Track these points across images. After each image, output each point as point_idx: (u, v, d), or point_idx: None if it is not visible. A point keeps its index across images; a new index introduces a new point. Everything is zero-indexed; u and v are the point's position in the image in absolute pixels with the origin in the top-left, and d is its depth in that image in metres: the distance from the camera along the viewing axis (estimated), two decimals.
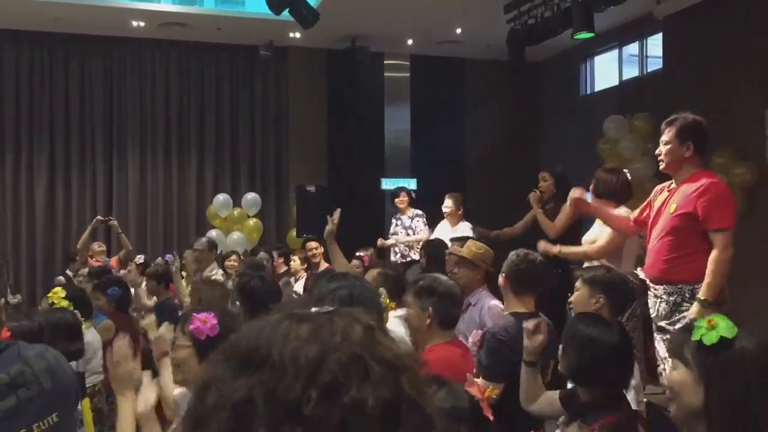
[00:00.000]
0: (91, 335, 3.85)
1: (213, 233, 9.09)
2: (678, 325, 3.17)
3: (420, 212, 7.28)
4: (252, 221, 9.51)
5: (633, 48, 9.63)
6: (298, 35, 9.44)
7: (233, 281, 4.56)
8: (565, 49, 9.90)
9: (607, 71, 10.16)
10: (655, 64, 9.20)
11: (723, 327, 1.52)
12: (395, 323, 3.06)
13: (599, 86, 10.28)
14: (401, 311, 3.08)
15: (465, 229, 6.23)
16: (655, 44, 9.17)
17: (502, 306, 3.73)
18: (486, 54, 10.11)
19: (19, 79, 9.54)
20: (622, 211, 4.21)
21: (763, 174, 7.24)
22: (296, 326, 0.71)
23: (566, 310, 3.18)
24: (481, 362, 3.01)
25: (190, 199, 10.12)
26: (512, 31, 7.99)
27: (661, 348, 3.45)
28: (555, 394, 2.48)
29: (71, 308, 3.45)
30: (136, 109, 9.96)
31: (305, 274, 6.93)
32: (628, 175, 4.64)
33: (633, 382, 2.36)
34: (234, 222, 9.46)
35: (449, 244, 5.20)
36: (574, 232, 5.15)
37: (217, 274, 6.02)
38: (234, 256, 6.78)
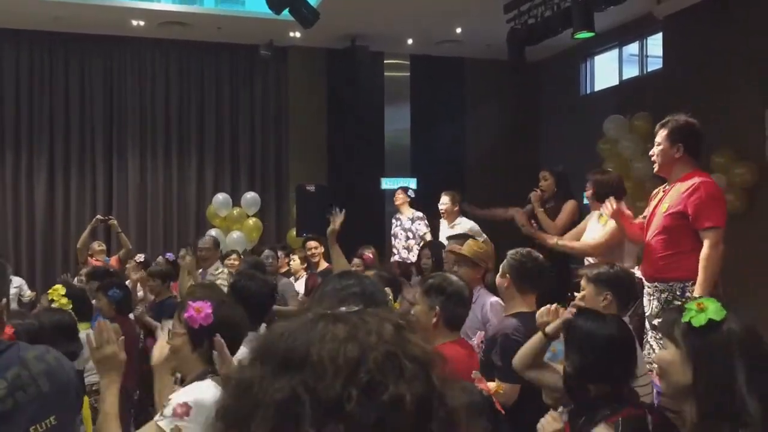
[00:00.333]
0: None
1: (213, 232, 9.09)
2: None
3: (420, 214, 7.20)
4: (251, 221, 9.51)
5: (633, 48, 9.64)
6: (298, 35, 9.44)
7: (228, 281, 4.56)
8: (565, 49, 9.90)
9: (607, 71, 10.17)
10: (655, 63, 9.20)
11: (712, 310, 1.59)
12: None
13: (599, 86, 10.28)
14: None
15: (462, 226, 6.23)
16: (655, 44, 9.17)
17: (501, 301, 3.74)
18: (486, 53, 10.11)
19: (19, 78, 9.54)
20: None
21: (764, 174, 7.24)
22: (332, 327, 0.74)
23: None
24: (494, 363, 2.99)
25: (189, 198, 10.12)
26: (512, 31, 7.99)
27: (656, 346, 3.46)
28: (560, 372, 2.44)
29: (70, 306, 3.45)
30: (136, 108, 9.96)
31: (305, 273, 6.93)
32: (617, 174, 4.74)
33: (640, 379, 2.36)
34: (234, 221, 9.46)
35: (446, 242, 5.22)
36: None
37: (223, 272, 6.02)
38: (234, 255, 6.78)
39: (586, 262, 4.54)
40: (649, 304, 3.59)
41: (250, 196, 9.64)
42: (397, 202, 7.35)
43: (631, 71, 9.67)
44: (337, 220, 3.67)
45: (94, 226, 7.64)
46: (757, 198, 7.28)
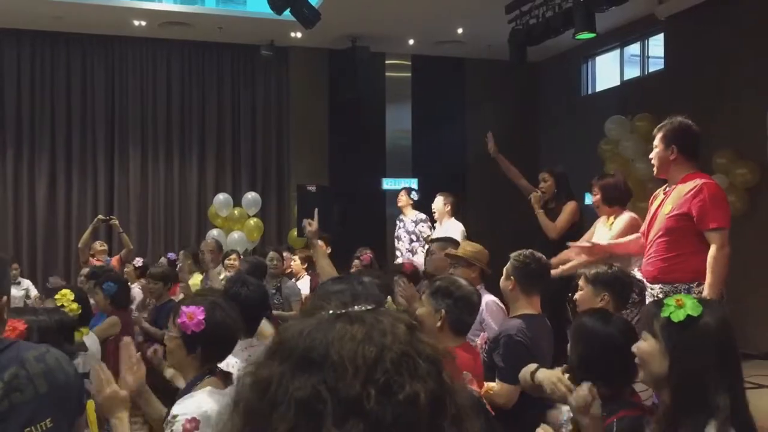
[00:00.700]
0: (89, 340, 3.85)
1: (214, 232, 9.10)
2: None
3: (423, 216, 7.13)
4: (252, 221, 9.51)
5: (634, 48, 9.63)
6: (299, 35, 9.44)
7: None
8: (566, 50, 9.89)
9: (608, 71, 10.16)
10: (656, 64, 9.19)
11: (689, 306, 1.69)
12: None
13: (600, 87, 10.27)
14: None
15: (452, 228, 6.26)
16: (656, 45, 9.16)
17: (498, 301, 3.73)
18: (487, 54, 10.10)
19: (21, 78, 9.55)
20: (632, 236, 4.23)
21: (765, 174, 7.24)
22: (350, 327, 0.77)
23: (566, 311, 3.18)
24: (497, 364, 2.97)
25: (191, 198, 10.13)
26: (513, 31, 7.99)
27: None
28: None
29: (79, 312, 3.44)
30: (138, 108, 9.97)
31: (305, 274, 6.92)
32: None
33: None
34: (234, 221, 9.47)
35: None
36: (574, 234, 5.15)
37: (222, 274, 6.01)
38: (233, 255, 6.78)
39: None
40: None
41: (250, 196, 9.64)
42: (399, 204, 7.30)
43: (633, 72, 9.67)
44: (314, 224, 3.61)
45: (96, 226, 7.64)
46: (759, 198, 7.28)
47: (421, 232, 7.09)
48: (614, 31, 9.05)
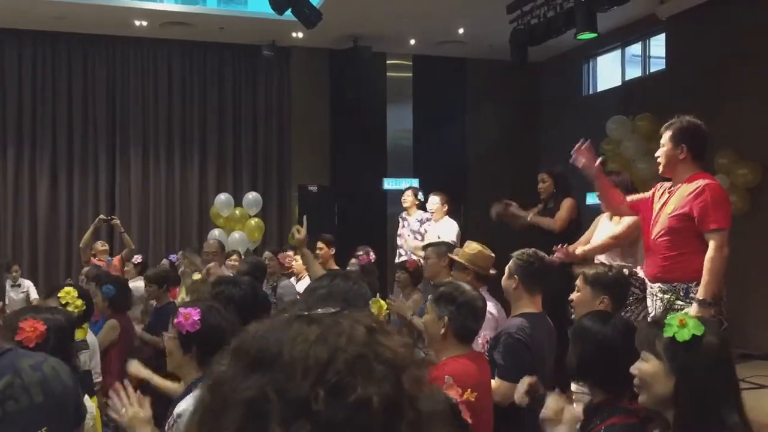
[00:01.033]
0: (90, 337, 3.85)
1: (216, 233, 9.10)
2: None
3: (429, 215, 7.12)
4: (253, 221, 9.51)
5: (636, 48, 9.63)
6: (300, 35, 9.45)
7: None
8: (567, 50, 9.89)
9: (609, 72, 10.16)
10: (657, 64, 9.19)
11: (693, 325, 1.68)
12: None
13: (602, 87, 10.27)
14: None
15: (448, 226, 6.27)
16: (658, 45, 9.16)
17: (496, 307, 3.71)
18: (488, 54, 10.10)
19: (22, 78, 9.56)
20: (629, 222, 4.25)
21: (766, 174, 7.24)
22: (306, 328, 0.76)
23: (568, 310, 3.17)
24: (496, 361, 2.97)
25: (192, 198, 10.14)
26: (515, 31, 7.98)
27: None
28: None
29: (83, 309, 3.44)
30: (139, 108, 9.98)
31: (307, 274, 6.91)
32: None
33: None
34: (236, 221, 9.47)
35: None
36: (573, 231, 5.15)
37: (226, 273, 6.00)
38: (235, 255, 6.78)
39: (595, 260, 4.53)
40: (653, 305, 3.61)
41: (251, 196, 9.64)
42: (405, 204, 7.28)
43: (634, 72, 9.66)
44: (302, 231, 3.59)
45: (97, 226, 7.64)
46: (760, 198, 7.27)
47: (426, 231, 7.08)
48: (615, 31, 9.05)
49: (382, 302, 2.23)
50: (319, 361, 0.72)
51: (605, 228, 4.54)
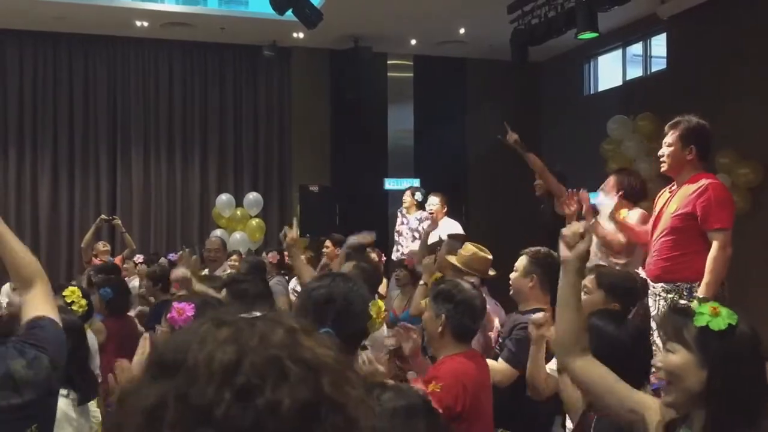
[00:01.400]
0: (90, 337, 3.85)
1: (217, 233, 9.10)
2: None
3: (428, 215, 7.10)
4: (254, 221, 9.51)
5: (637, 48, 9.62)
6: (301, 35, 9.45)
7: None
8: (568, 49, 9.88)
9: (610, 71, 10.15)
10: (658, 64, 9.18)
11: (726, 313, 1.57)
12: None
13: (603, 86, 10.27)
14: None
15: (452, 227, 6.26)
16: (658, 44, 9.15)
17: (493, 308, 3.69)
18: (489, 54, 10.10)
19: (23, 79, 9.57)
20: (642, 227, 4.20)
21: (767, 174, 7.23)
22: (215, 330, 0.72)
23: None
24: (506, 347, 2.97)
25: (193, 198, 10.14)
26: (515, 31, 7.98)
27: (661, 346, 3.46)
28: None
29: (86, 309, 3.43)
30: (140, 109, 9.98)
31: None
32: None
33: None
34: (237, 222, 9.47)
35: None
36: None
37: (227, 272, 5.99)
38: (234, 256, 6.77)
39: (591, 258, 4.51)
40: (655, 304, 3.59)
41: (252, 196, 9.65)
42: (405, 205, 7.29)
43: (635, 72, 9.66)
44: (292, 232, 3.55)
45: (98, 226, 7.66)
46: (761, 198, 7.26)
47: (424, 230, 7.07)
48: (616, 31, 9.04)
49: (380, 303, 2.22)
50: (224, 364, 0.68)
51: (608, 225, 4.51)
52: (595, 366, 1.85)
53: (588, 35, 7.30)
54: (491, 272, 3.91)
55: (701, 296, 3.27)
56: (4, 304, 7.43)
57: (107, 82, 9.85)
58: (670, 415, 1.67)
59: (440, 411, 1.60)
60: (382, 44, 9.77)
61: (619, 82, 9.83)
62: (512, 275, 3.24)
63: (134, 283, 6.00)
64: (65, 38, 9.61)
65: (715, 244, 3.35)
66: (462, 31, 9.47)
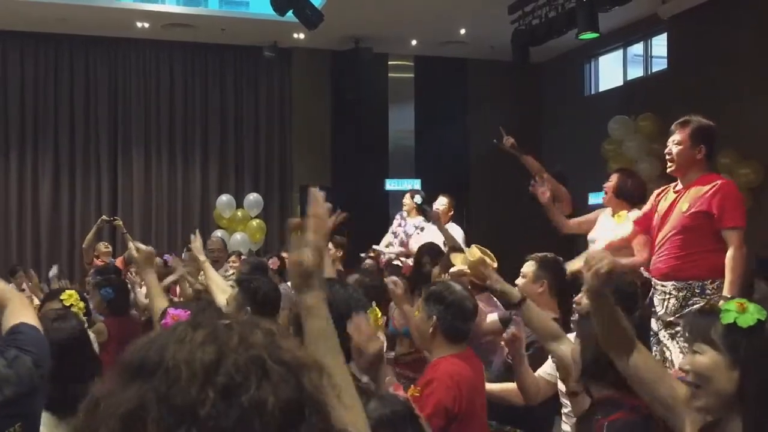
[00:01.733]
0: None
1: (218, 233, 9.10)
2: None
3: (427, 225, 7.00)
4: (255, 222, 9.51)
5: (638, 48, 9.62)
6: (302, 36, 9.45)
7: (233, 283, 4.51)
8: (569, 50, 9.88)
9: (611, 72, 10.15)
10: (659, 64, 9.18)
11: (754, 309, 1.49)
12: None
13: (603, 87, 10.27)
14: None
15: (454, 232, 6.21)
16: (659, 44, 9.15)
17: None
18: (490, 54, 10.10)
19: (24, 79, 9.58)
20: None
21: None
22: (191, 332, 0.71)
23: (572, 310, 3.15)
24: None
25: (194, 199, 10.15)
26: (516, 32, 7.98)
27: (670, 344, 3.45)
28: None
29: (84, 311, 3.43)
30: (141, 109, 9.99)
31: None
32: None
33: None
34: (238, 223, 9.48)
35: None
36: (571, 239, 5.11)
37: (233, 273, 5.97)
38: (233, 257, 6.76)
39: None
40: (663, 303, 3.56)
41: (252, 197, 9.65)
42: (405, 208, 7.24)
43: (636, 72, 9.66)
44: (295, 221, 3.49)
45: (100, 226, 7.65)
46: (762, 198, 7.26)
47: (421, 232, 7.00)
48: (617, 31, 9.04)
49: (377, 310, 2.20)
50: (206, 363, 0.67)
51: (607, 226, 4.50)
52: (644, 358, 1.81)
53: (589, 35, 7.30)
54: None
55: (729, 295, 3.25)
56: None
57: (108, 83, 9.86)
58: (700, 419, 1.60)
59: (438, 412, 1.60)
60: (382, 45, 9.77)
61: (620, 82, 9.84)
62: (520, 281, 3.18)
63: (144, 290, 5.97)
64: (66, 39, 9.62)
65: (731, 243, 3.36)
66: (463, 31, 9.47)
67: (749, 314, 1.48)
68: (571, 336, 2.54)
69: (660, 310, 3.59)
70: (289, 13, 7.53)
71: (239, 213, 9.49)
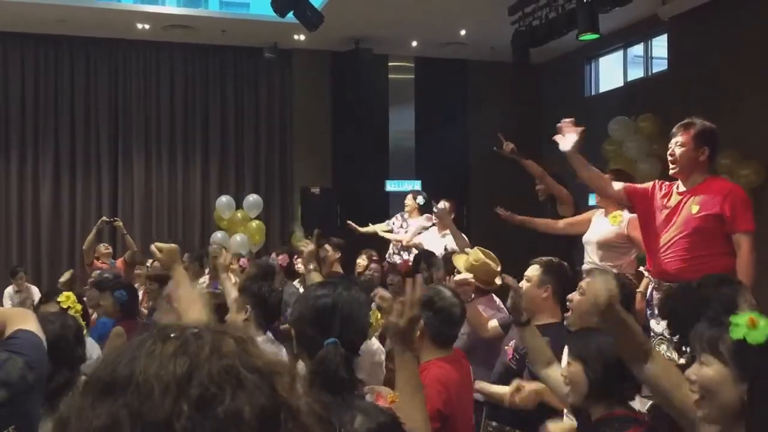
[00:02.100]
0: (90, 343, 3.84)
1: (218, 235, 9.11)
2: None
3: (429, 224, 6.95)
4: (254, 223, 9.51)
5: (638, 49, 9.62)
6: (302, 37, 9.45)
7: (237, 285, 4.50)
8: (569, 51, 9.89)
9: (611, 72, 10.15)
10: (660, 65, 9.19)
11: (765, 325, 1.47)
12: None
13: (604, 87, 10.27)
14: None
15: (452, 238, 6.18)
16: (660, 45, 9.15)
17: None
18: (490, 56, 10.10)
19: (25, 81, 9.58)
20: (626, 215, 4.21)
21: None
22: (161, 344, 0.70)
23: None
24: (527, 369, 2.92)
25: (194, 200, 10.15)
26: (516, 33, 7.98)
27: (669, 351, 3.45)
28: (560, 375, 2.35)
29: (81, 313, 3.44)
30: (141, 111, 10.00)
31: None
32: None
33: None
34: (237, 224, 9.48)
35: (437, 250, 5.15)
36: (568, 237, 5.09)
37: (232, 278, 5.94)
38: (232, 259, 6.74)
39: (586, 261, 4.49)
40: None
41: (252, 198, 9.65)
42: (407, 209, 7.23)
43: (636, 73, 9.66)
44: (311, 244, 3.45)
45: (100, 227, 7.65)
46: (763, 199, 7.25)
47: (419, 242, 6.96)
48: (617, 32, 9.04)
49: (378, 311, 2.21)
50: (177, 375, 0.66)
51: (600, 225, 4.49)
52: (661, 365, 1.83)
53: (589, 36, 7.30)
54: (497, 281, 3.83)
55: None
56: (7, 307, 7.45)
57: (109, 85, 9.87)
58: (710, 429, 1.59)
59: (434, 417, 1.62)
60: (383, 46, 9.77)
61: (620, 83, 9.84)
62: (523, 285, 3.11)
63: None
64: (67, 41, 9.62)
65: (744, 247, 3.37)
66: (463, 32, 9.47)
67: (760, 331, 1.45)
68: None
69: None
70: (290, 15, 7.54)
71: (239, 214, 9.49)
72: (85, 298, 4.26)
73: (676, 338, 2.52)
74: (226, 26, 9.39)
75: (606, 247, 4.40)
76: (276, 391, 0.69)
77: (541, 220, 4.96)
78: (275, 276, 5.49)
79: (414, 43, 10.01)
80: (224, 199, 9.49)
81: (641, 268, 4.04)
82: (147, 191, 10.01)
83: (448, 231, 6.08)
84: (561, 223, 4.76)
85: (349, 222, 7.19)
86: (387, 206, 9.98)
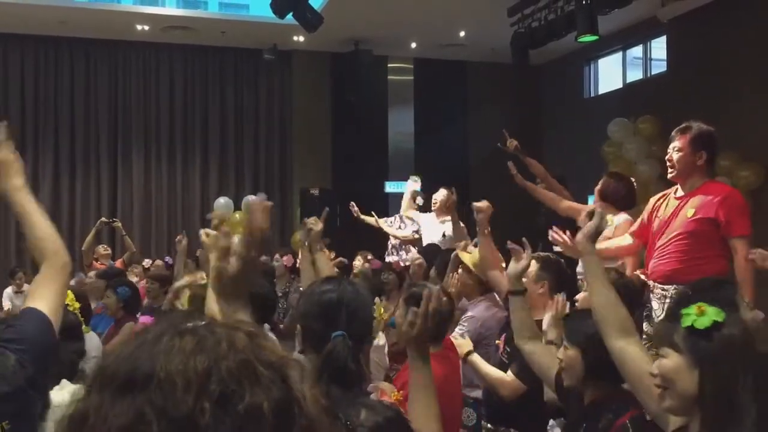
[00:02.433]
0: (93, 339, 3.85)
1: (222, 201, 9.12)
2: None
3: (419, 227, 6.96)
4: None
5: (637, 51, 9.64)
6: (301, 39, 9.46)
7: None
8: (568, 52, 9.90)
9: (611, 74, 10.17)
10: (659, 66, 9.20)
11: (712, 312, 1.55)
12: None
13: (603, 89, 10.28)
14: None
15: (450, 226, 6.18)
16: (659, 47, 9.17)
17: (483, 314, 3.66)
18: (490, 57, 10.11)
19: (25, 82, 9.60)
20: (626, 239, 4.19)
21: None
22: (179, 340, 0.70)
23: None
24: (518, 362, 2.92)
25: (194, 201, 10.16)
26: (516, 34, 7.99)
27: None
28: (554, 352, 2.38)
29: (78, 310, 3.45)
30: (141, 112, 10.01)
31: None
32: (634, 183, 4.64)
33: None
34: (236, 225, 9.47)
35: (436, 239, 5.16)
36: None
37: None
38: None
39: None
40: (662, 306, 3.57)
41: (251, 199, 9.65)
42: (402, 207, 7.26)
43: (635, 74, 9.67)
44: (319, 223, 3.22)
45: (99, 229, 7.66)
46: (762, 200, 7.25)
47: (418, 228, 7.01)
48: (617, 34, 9.05)
49: (381, 307, 2.23)
50: (199, 372, 0.67)
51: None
52: (636, 349, 1.89)
53: (588, 38, 7.30)
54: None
55: (747, 299, 3.26)
56: (6, 308, 7.46)
57: (108, 86, 9.88)
58: (677, 422, 1.65)
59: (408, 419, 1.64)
60: (382, 47, 9.78)
61: (619, 85, 9.85)
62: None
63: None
64: (67, 42, 9.63)
65: (739, 251, 3.38)
66: (462, 34, 9.48)
67: (707, 317, 1.54)
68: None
69: (659, 312, 3.59)
70: (289, 16, 7.54)
71: (237, 215, 9.49)
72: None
73: None
74: (225, 27, 9.39)
75: (606, 253, 4.40)
76: (288, 384, 0.70)
77: (549, 192, 4.95)
78: (274, 276, 5.50)
79: (413, 45, 10.02)
80: (222, 200, 9.51)
81: (638, 272, 4.04)
82: (146, 192, 10.01)
83: (447, 217, 6.09)
84: (565, 202, 4.72)
85: (352, 204, 7.18)
86: (386, 207, 9.98)
